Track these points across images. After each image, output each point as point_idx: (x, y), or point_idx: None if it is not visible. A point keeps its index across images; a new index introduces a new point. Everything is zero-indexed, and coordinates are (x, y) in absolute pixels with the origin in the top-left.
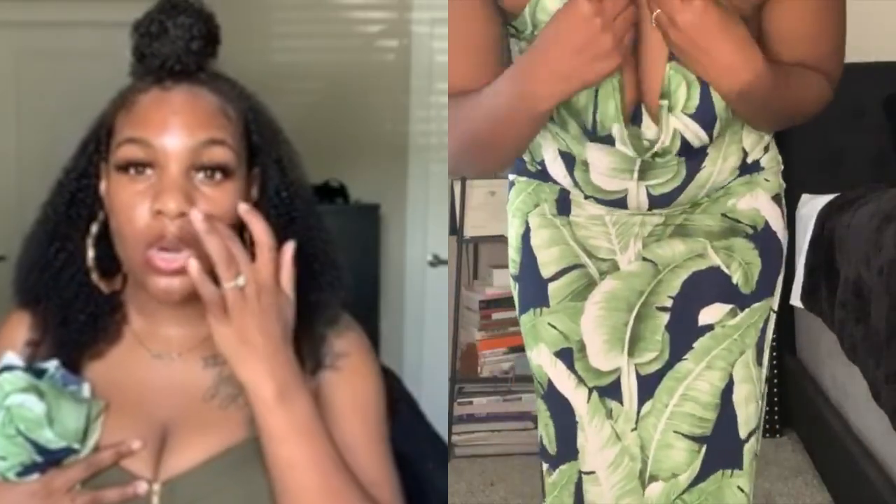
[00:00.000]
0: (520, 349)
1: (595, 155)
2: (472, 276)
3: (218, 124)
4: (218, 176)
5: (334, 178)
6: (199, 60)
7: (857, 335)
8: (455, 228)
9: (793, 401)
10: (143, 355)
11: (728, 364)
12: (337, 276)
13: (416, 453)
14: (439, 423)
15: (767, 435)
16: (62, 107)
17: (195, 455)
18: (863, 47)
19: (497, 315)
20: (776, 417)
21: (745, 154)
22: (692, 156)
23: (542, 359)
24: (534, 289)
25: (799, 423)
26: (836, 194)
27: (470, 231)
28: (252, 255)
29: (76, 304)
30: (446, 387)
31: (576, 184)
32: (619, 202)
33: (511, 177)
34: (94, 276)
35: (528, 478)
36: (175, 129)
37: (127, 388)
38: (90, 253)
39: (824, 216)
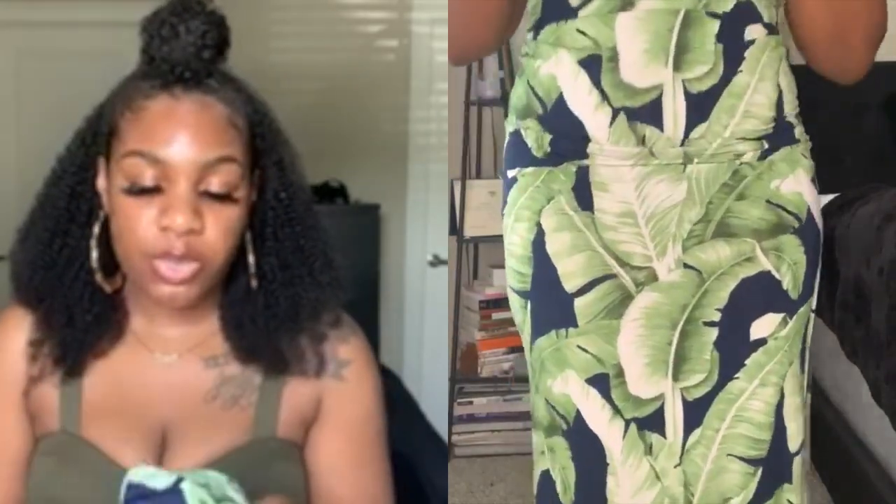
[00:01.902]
0: (520, 349)
1: (626, 32)
2: (472, 276)
3: (227, 139)
4: (225, 192)
5: (334, 178)
6: (210, 67)
7: (857, 335)
8: (455, 228)
9: None
10: (144, 356)
11: (780, 378)
12: (335, 276)
13: (416, 453)
14: (439, 423)
15: None
16: (62, 107)
17: (196, 457)
18: None
19: (497, 315)
20: None
21: (780, 95)
22: (731, 47)
23: (570, 388)
24: (554, 306)
25: None
26: (836, 194)
27: (470, 231)
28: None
29: (81, 303)
30: (446, 387)
31: (604, 97)
32: (654, 113)
33: (511, 172)
34: (98, 277)
35: (527, 478)
36: (184, 144)
37: (129, 389)
38: (94, 254)
39: (824, 216)
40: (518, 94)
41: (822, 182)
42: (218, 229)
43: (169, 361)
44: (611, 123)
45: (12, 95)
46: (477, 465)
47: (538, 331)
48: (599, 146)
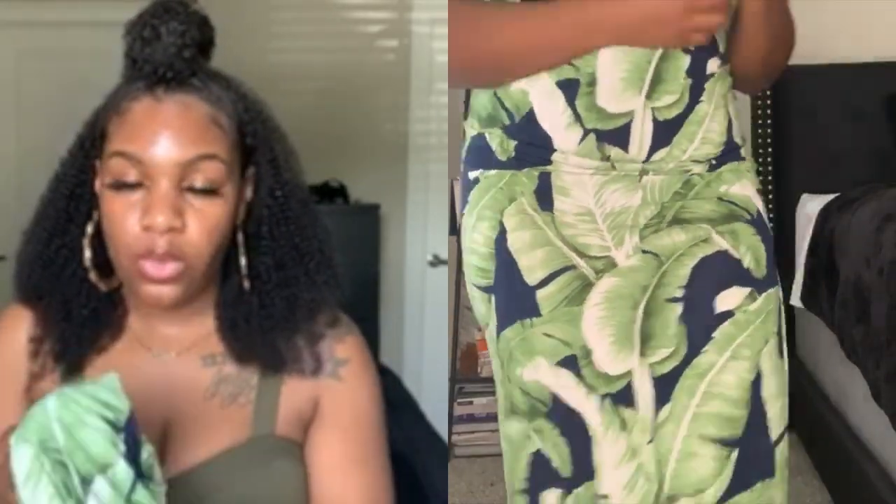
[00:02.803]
0: None
1: (607, 60)
2: None
3: (209, 138)
4: (208, 189)
5: (334, 178)
6: (192, 66)
7: (857, 335)
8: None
9: (793, 401)
10: (143, 354)
11: (754, 353)
12: (332, 275)
13: (416, 453)
14: (439, 423)
15: None
16: (62, 107)
17: (196, 455)
18: (863, 47)
19: None
20: None
21: (730, 122)
22: (696, 80)
23: (540, 373)
24: (517, 299)
25: (799, 423)
26: (836, 194)
27: None
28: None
29: (78, 299)
30: (446, 387)
31: (577, 118)
32: (622, 136)
33: (473, 174)
34: (93, 276)
35: None
36: (166, 144)
37: (128, 386)
38: (86, 253)
39: (824, 216)
40: (482, 103)
41: (823, 182)
42: (201, 227)
43: (167, 359)
44: (580, 142)
45: (12, 95)
46: (477, 465)
47: (503, 323)
48: (564, 156)
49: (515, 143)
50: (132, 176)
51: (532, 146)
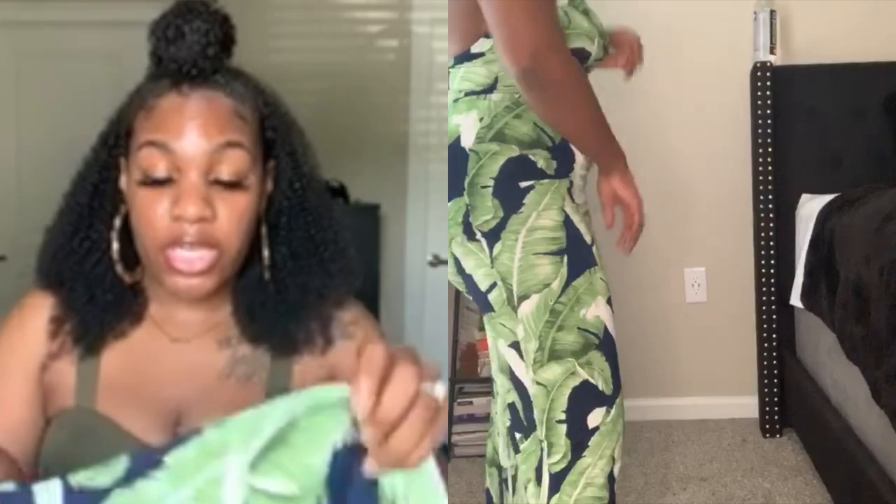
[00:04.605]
0: None
1: None
2: None
3: (234, 127)
4: (235, 180)
5: (334, 178)
6: (215, 64)
7: (857, 335)
8: None
9: (793, 401)
10: (162, 339)
11: None
12: (346, 265)
13: None
14: None
15: (767, 435)
16: (62, 107)
17: None
18: (863, 47)
19: None
20: (776, 417)
21: None
22: None
23: (600, 309)
24: (584, 253)
25: (799, 423)
26: (836, 194)
27: None
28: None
29: (102, 285)
30: (446, 387)
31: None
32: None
33: (525, 183)
34: (119, 268)
35: None
36: (193, 134)
37: (144, 368)
38: (115, 245)
39: (824, 216)
40: (525, 132)
41: (823, 182)
42: (230, 216)
43: (184, 343)
44: (586, 157)
45: (12, 95)
46: (477, 465)
47: (574, 273)
48: (576, 167)
49: (556, 163)
50: (161, 170)
51: (565, 164)
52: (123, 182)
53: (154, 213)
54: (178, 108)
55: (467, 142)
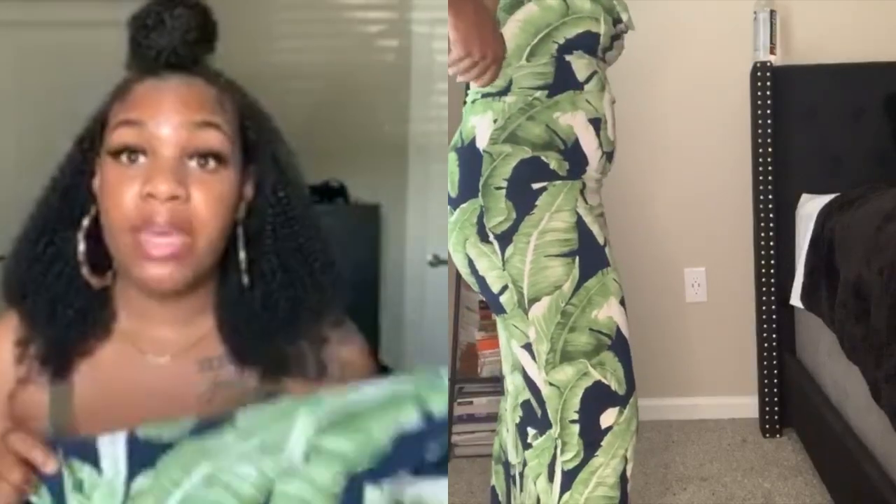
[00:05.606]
0: None
1: (607, 106)
2: None
3: (212, 109)
4: (212, 163)
5: (334, 178)
6: (195, 53)
7: (857, 335)
8: None
9: (793, 401)
10: (136, 357)
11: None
12: (337, 276)
13: None
14: None
15: (767, 435)
16: (62, 107)
17: None
18: (863, 47)
19: None
20: (776, 417)
21: None
22: None
23: (612, 310)
24: (596, 255)
25: (799, 423)
26: (836, 194)
27: None
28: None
29: (64, 298)
30: (446, 387)
31: (600, 145)
32: (612, 153)
33: (538, 185)
34: (85, 271)
35: None
36: (168, 111)
37: (120, 391)
38: (80, 246)
39: (824, 216)
40: (537, 133)
41: (823, 182)
42: (206, 200)
43: (162, 363)
44: (599, 160)
45: (12, 95)
46: (477, 465)
47: (586, 275)
48: (590, 170)
49: (568, 164)
50: (133, 139)
51: (578, 165)
52: (97, 184)
53: (124, 193)
54: (154, 88)
55: (482, 143)
